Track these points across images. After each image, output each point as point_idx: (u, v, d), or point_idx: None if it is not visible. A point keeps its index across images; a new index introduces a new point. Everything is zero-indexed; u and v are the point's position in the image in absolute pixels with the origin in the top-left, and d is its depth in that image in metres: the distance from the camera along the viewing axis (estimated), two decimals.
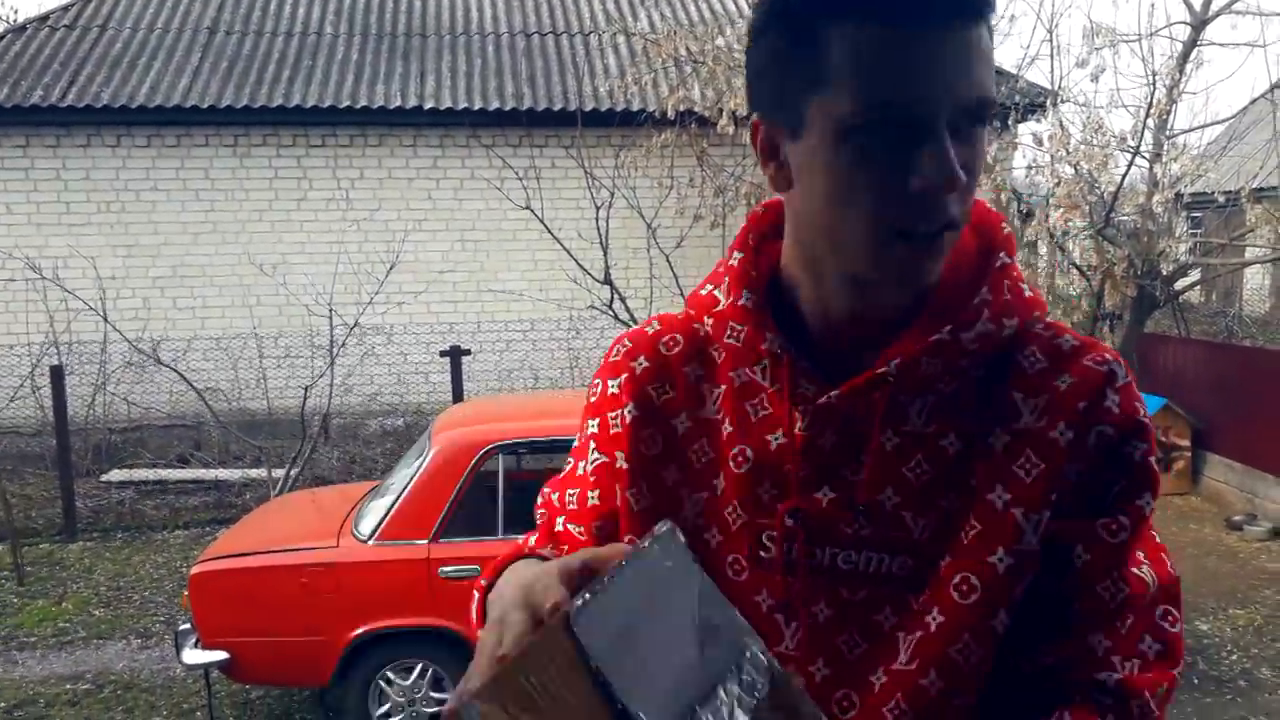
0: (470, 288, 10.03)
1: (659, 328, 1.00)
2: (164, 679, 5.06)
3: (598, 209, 7.67)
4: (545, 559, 0.90)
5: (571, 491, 1.03)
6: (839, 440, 0.87)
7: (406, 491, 4.27)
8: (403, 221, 9.76)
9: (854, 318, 0.88)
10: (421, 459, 4.37)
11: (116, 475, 8.36)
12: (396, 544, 4.21)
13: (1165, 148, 7.32)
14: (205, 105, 9.39)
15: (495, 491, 4.33)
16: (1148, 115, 7.31)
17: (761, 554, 0.89)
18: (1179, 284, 8.54)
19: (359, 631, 4.18)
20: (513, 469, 4.79)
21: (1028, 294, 0.89)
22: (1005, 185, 7.45)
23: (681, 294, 8.13)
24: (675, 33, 9.16)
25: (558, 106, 9.75)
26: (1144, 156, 7.59)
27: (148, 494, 8.10)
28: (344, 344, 7.76)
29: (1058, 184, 7.09)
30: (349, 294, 8.64)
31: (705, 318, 0.97)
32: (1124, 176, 7.29)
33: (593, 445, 1.01)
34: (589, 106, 9.58)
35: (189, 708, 4.76)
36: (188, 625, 4.32)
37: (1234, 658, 5.11)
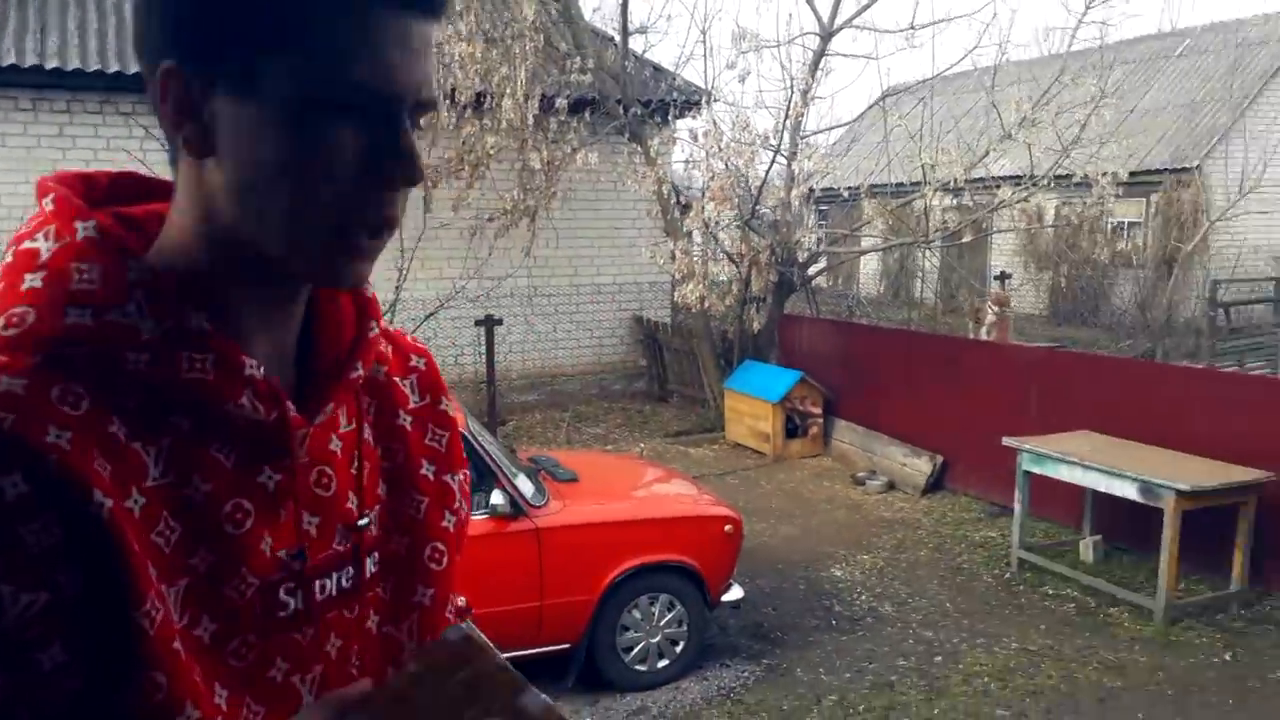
0: None
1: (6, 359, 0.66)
2: None
3: None
4: None
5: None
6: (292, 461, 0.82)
7: None
8: (23, 197, 8.61)
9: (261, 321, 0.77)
10: None
11: None
12: None
13: (800, 147, 8.21)
14: None
15: None
16: (786, 117, 8.17)
17: (280, 613, 0.78)
18: (811, 270, 9.62)
19: None
20: None
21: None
22: (666, 178, 7.98)
23: None
24: None
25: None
26: (783, 155, 8.45)
27: None
28: None
29: (712, 178, 7.73)
30: None
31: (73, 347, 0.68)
32: (767, 172, 8.10)
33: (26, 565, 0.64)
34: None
35: None
36: None
37: (863, 598, 5.91)
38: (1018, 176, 9.22)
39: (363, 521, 0.82)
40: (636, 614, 4.77)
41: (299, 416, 0.75)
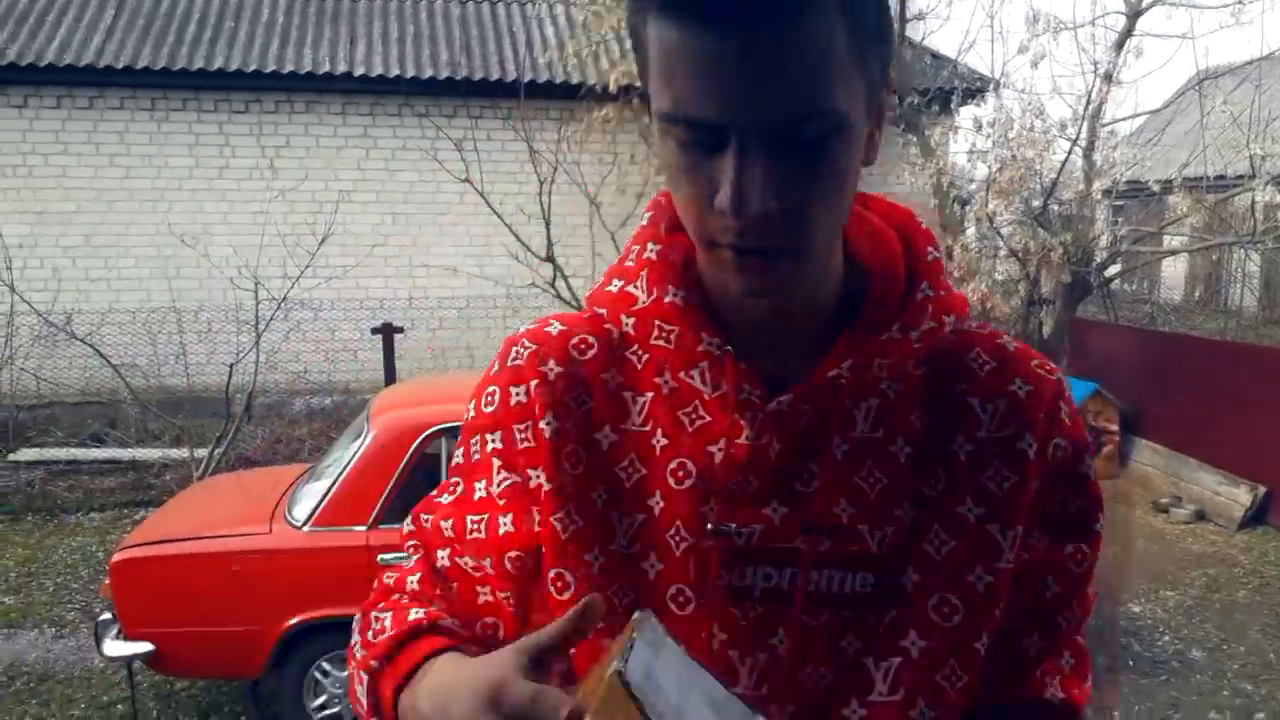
0: (402, 263, 9.74)
1: (564, 328, 0.88)
2: (81, 670, 4.79)
3: (541, 183, 7.48)
4: (458, 644, 0.80)
5: (474, 518, 0.88)
6: (784, 449, 0.78)
7: (344, 475, 4.07)
8: (331, 192, 9.41)
9: (765, 317, 0.80)
10: (360, 441, 4.18)
11: (26, 455, 7.92)
12: (334, 529, 4.02)
13: (1102, 135, 7.44)
14: (120, 65, 8.90)
15: (438, 475, 4.16)
16: (1088, 104, 7.42)
17: (717, 580, 0.79)
18: (1109, 271, 8.73)
19: (294, 621, 3.98)
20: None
21: (957, 291, 0.84)
22: (947, 169, 7.49)
23: None
24: (617, 4, 8.98)
25: (494, 76, 9.49)
26: (1080, 145, 7.70)
27: (59, 474, 7.69)
28: (270, 319, 7.45)
29: (1000, 169, 7.14)
30: (274, 267, 8.29)
31: (623, 317, 0.84)
32: (1064, 164, 7.40)
33: (498, 464, 0.87)
34: (528, 78, 9.35)
35: (109, 700, 4.51)
36: (108, 615, 4.07)
37: (1166, 639, 5.22)
38: None
39: (841, 531, 0.78)
40: None
41: (752, 400, 0.78)
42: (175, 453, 7.47)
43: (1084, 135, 7.62)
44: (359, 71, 9.32)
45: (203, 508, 4.73)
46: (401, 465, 4.07)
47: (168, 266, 9.20)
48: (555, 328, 0.88)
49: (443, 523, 0.90)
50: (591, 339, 0.86)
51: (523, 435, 0.85)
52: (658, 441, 0.82)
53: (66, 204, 9.16)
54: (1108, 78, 7.50)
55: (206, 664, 4.17)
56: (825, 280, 0.80)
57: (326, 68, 9.29)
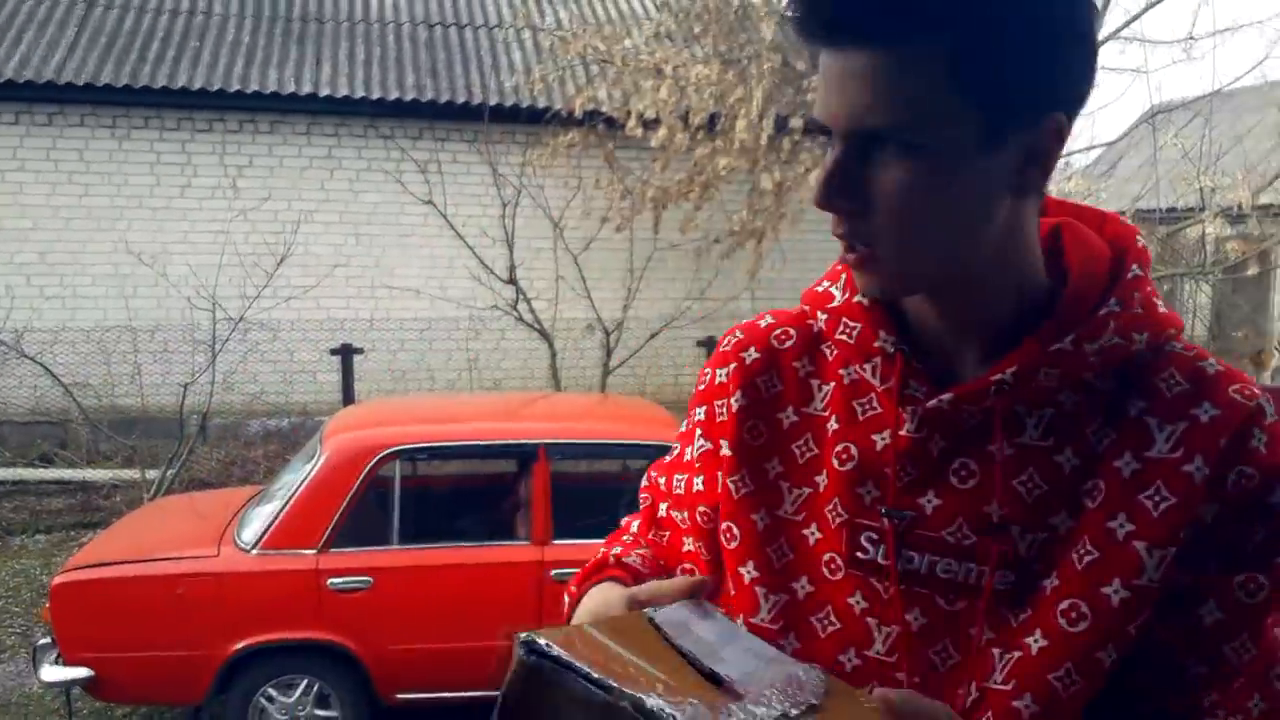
0: (364, 283, 9.68)
1: (772, 321, 1.00)
2: (19, 696, 4.68)
3: (505, 206, 7.49)
4: (624, 579, 1.00)
5: (679, 477, 1.05)
6: (948, 446, 0.85)
7: (294, 498, 4.03)
8: (294, 212, 9.35)
9: (945, 321, 0.87)
10: (312, 463, 4.14)
11: None
12: (282, 553, 3.97)
13: (1060, 167, 7.61)
14: (81, 82, 8.82)
15: (389, 499, 4.13)
16: None
17: (858, 554, 0.88)
18: None
19: (239, 646, 3.92)
20: (410, 475, 4.58)
21: (1162, 309, 0.84)
22: None
23: (588, 295, 8.02)
24: (583, 31, 9.04)
25: (460, 100, 9.51)
26: None
27: (4, 495, 7.54)
28: (227, 340, 7.37)
29: None
30: (234, 287, 8.20)
31: (819, 313, 0.95)
32: None
33: (699, 432, 1.02)
34: (494, 101, 9.38)
35: None
36: (47, 639, 3.98)
37: None
38: None
39: (994, 530, 0.83)
40: None
41: (916, 396, 0.86)
42: (126, 474, 7.34)
43: None
44: (324, 92, 9.30)
45: (150, 530, 4.65)
46: (353, 489, 4.03)
47: (125, 285, 9.08)
48: (766, 321, 1.01)
49: (661, 480, 1.08)
50: (792, 331, 0.98)
51: (720, 410, 0.98)
52: (831, 426, 0.92)
53: (22, 221, 9.03)
54: None
55: (148, 689, 4.09)
56: (986, 294, 0.85)
57: (292, 88, 9.26)
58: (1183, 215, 8.89)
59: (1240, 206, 7.70)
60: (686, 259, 9.22)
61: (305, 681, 4.04)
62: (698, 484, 1.01)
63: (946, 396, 0.83)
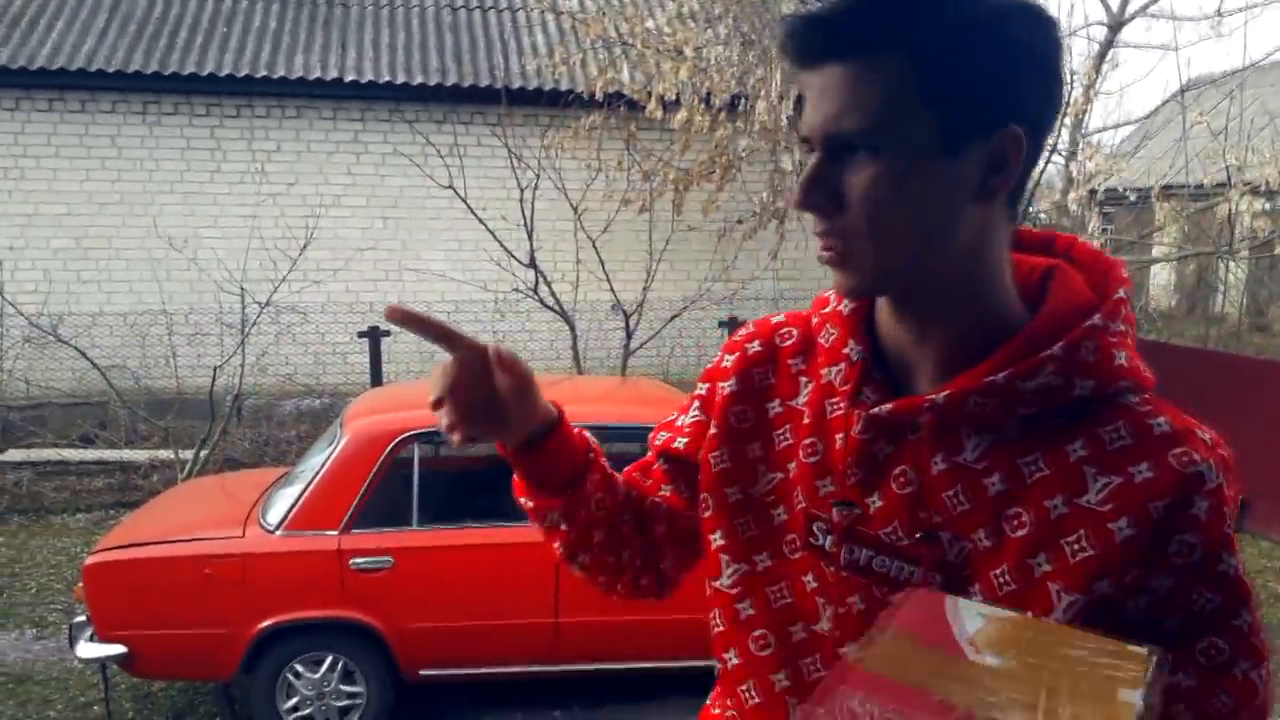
0: (391, 267, 9.82)
1: (782, 319, 1.10)
2: (60, 671, 4.86)
3: (522, 190, 7.55)
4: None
5: (665, 434, 1.18)
6: (895, 453, 0.92)
7: (316, 480, 4.15)
8: (320, 197, 9.49)
9: (910, 334, 0.94)
10: (333, 447, 4.25)
11: (14, 455, 7.99)
12: (305, 534, 4.09)
13: (1081, 146, 7.51)
14: (112, 69, 8.97)
15: (409, 481, 4.24)
16: (1065, 113, 7.48)
17: (811, 540, 0.98)
18: None
19: (266, 624, 4.06)
20: (429, 457, 4.69)
21: (1121, 361, 0.87)
22: None
23: (608, 279, 8.08)
24: (605, 13, 9.05)
25: (484, 83, 9.56)
26: (1060, 154, 7.77)
27: (47, 475, 7.76)
28: (256, 323, 7.53)
29: None
30: (264, 271, 8.36)
31: (813, 318, 1.05)
32: (1041, 172, 7.46)
33: (697, 404, 1.14)
34: (516, 84, 9.43)
35: (86, 701, 4.58)
36: (84, 617, 4.14)
37: None
38: None
39: (924, 534, 0.90)
40: None
41: (867, 402, 0.93)
42: (163, 454, 7.54)
43: (1064, 144, 7.69)
44: (350, 77, 9.40)
45: (179, 511, 4.80)
46: (373, 471, 4.14)
47: (158, 269, 9.27)
48: (777, 319, 1.11)
49: (655, 436, 1.20)
50: (795, 331, 1.07)
51: (719, 390, 1.09)
52: (805, 420, 1.01)
53: (57, 207, 9.23)
54: (1087, 89, 7.57)
55: (179, 666, 4.24)
56: (950, 306, 0.90)
57: (318, 73, 9.36)
58: (1212, 193, 8.77)
59: (1268, 184, 7.58)
60: (709, 240, 9.25)
61: (330, 658, 4.17)
62: (678, 442, 1.14)
63: (887, 406, 0.91)
